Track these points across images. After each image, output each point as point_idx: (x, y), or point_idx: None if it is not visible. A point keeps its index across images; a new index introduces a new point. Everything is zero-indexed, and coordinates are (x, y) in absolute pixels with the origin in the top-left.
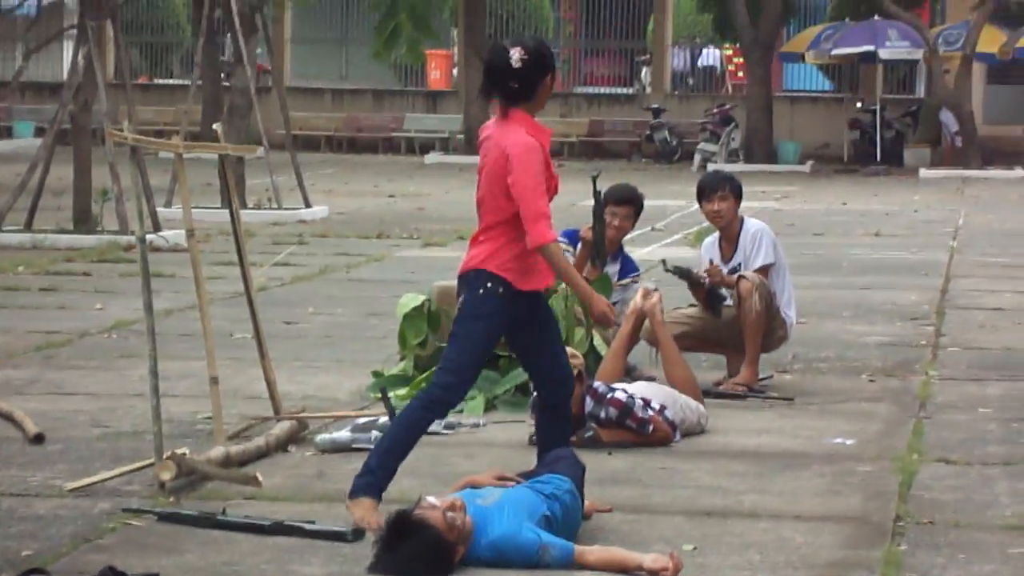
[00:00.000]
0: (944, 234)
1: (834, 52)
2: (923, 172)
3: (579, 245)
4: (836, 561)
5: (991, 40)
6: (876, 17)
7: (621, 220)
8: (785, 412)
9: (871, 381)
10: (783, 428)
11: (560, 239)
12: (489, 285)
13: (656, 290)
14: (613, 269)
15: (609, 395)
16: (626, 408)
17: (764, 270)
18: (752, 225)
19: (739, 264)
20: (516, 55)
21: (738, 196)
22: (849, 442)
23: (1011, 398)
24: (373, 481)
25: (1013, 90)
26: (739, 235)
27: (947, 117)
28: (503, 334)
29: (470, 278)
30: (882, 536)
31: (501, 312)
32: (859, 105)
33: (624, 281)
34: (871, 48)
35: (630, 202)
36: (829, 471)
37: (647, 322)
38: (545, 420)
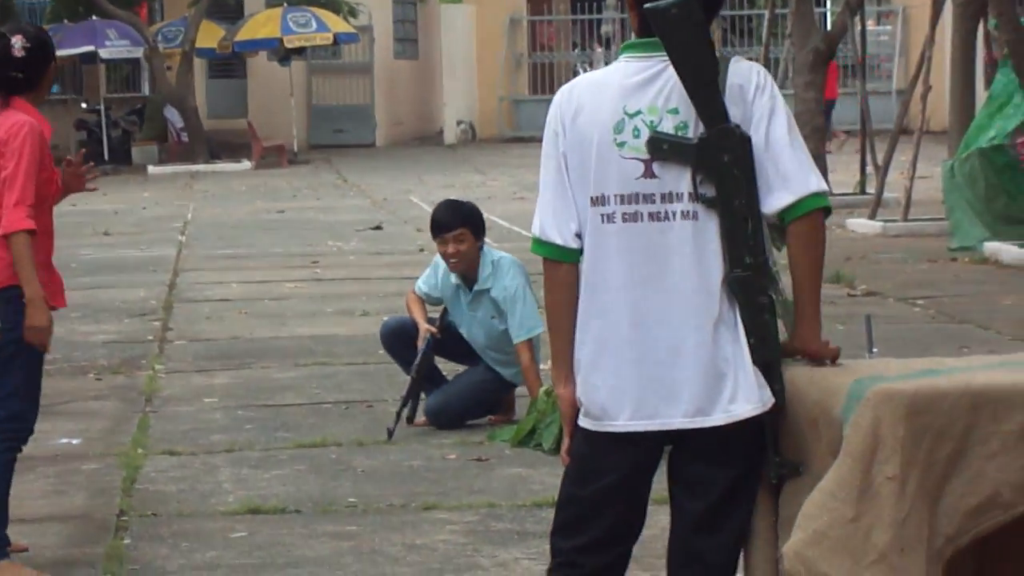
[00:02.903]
0: (173, 229)
1: (56, 54)
2: (152, 169)
3: None
4: (59, 559)
5: (210, 35)
6: (94, 17)
7: None
8: None
9: (98, 379)
10: None
11: None
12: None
13: None
14: None
15: None
16: None
17: None
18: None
19: None
20: (19, 43)
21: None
22: (75, 441)
23: (236, 386)
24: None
25: (234, 83)
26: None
27: (171, 113)
28: None
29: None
30: (105, 532)
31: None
32: (84, 105)
33: None
34: (92, 48)
35: None
36: (54, 472)
37: None
38: None
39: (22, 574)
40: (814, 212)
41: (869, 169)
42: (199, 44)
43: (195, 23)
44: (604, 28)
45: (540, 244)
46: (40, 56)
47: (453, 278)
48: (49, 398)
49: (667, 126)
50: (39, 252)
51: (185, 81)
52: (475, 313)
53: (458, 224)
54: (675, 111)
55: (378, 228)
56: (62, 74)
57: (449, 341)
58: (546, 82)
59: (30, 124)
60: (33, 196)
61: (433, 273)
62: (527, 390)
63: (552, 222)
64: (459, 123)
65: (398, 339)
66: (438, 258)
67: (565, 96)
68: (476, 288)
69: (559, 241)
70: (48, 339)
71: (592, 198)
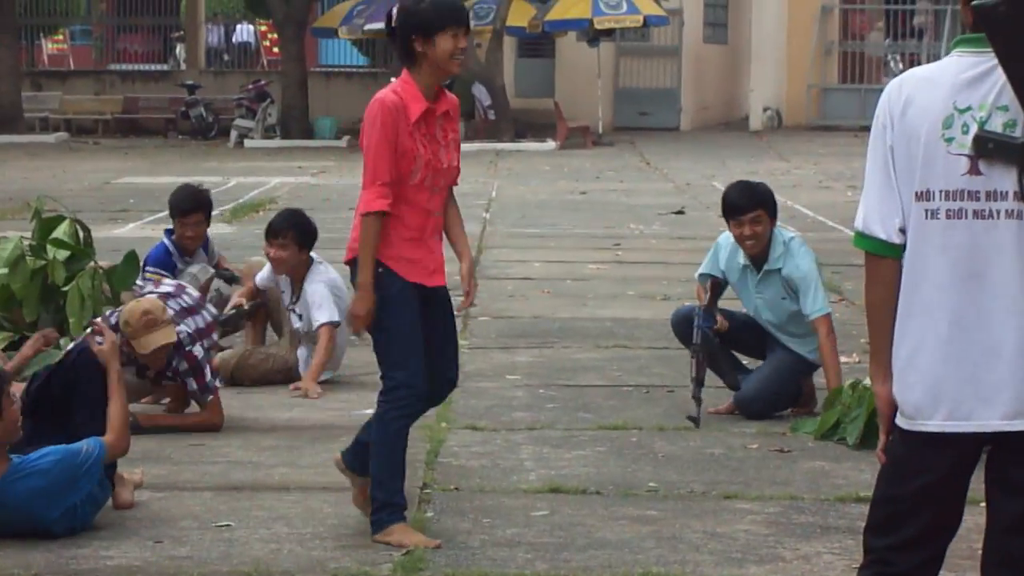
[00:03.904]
0: (477, 206)
1: (367, 28)
2: None
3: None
4: (363, 530)
5: (521, 14)
6: None
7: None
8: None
9: None
10: (314, 403)
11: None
12: (380, 271)
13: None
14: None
15: (188, 347)
16: (198, 367)
17: None
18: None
19: None
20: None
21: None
22: None
23: (538, 365)
24: (395, 510)
25: (542, 63)
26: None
27: (479, 91)
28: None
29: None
30: (409, 504)
31: (406, 289)
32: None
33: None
34: None
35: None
36: None
37: None
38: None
39: (414, 537)
40: None
41: None
42: (510, 22)
43: (507, 1)
44: (917, 19)
45: (863, 238)
46: (402, 28)
47: (741, 259)
48: (353, 369)
49: (995, 123)
50: (403, 229)
51: (494, 59)
52: (763, 294)
53: (755, 206)
54: (1005, 108)
55: (680, 212)
56: (374, 47)
57: (742, 333)
58: (856, 71)
59: (379, 102)
60: (388, 173)
61: (714, 255)
62: (824, 372)
63: (876, 216)
64: (765, 109)
65: (688, 327)
66: (719, 241)
67: (895, 89)
68: (766, 268)
69: (882, 236)
70: (362, 326)
71: (916, 193)
